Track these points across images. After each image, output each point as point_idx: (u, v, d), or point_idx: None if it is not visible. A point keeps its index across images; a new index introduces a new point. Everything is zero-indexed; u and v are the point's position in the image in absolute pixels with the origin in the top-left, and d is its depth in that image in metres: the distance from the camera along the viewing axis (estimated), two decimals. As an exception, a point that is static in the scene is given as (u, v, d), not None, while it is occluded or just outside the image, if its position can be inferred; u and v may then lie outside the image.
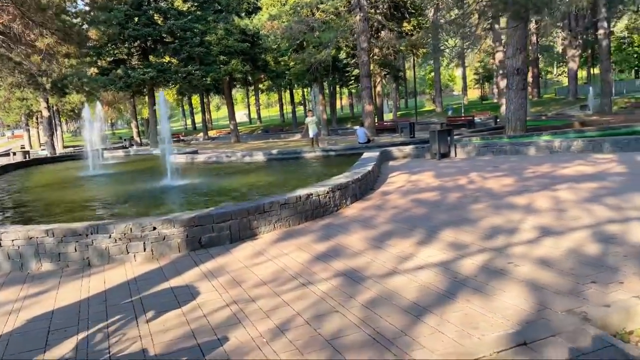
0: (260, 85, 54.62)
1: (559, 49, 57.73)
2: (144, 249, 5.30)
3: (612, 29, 42.69)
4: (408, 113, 54.36)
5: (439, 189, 8.34)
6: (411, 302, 3.63)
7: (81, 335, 3.47)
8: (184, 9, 33.65)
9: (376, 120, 32.47)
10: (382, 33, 30.67)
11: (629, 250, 4.37)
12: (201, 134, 51.00)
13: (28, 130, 55.36)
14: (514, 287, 3.74)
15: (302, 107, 70.77)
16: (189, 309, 3.82)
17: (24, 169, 19.26)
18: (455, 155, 13.46)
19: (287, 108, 64.74)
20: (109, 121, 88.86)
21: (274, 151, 17.63)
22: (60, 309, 4.00)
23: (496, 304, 3.46)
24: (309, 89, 53.67)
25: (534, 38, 41.81)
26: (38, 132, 57.17)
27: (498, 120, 29.73)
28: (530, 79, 43.36)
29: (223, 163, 16.54)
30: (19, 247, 5.12)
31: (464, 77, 67.02)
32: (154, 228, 5.33)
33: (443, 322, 3.24)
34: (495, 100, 50.44)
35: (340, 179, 7.84)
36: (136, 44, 32.23)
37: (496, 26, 30.67)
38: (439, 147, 13.09)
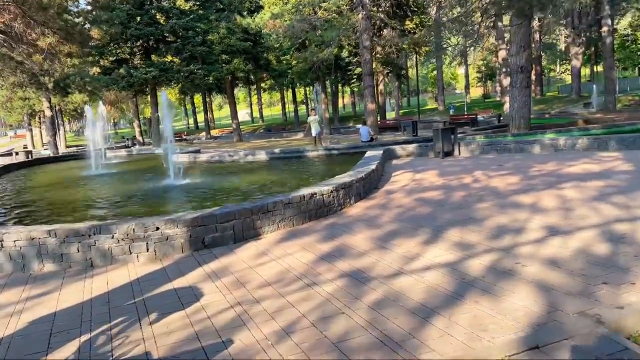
0: (263, 84, 54.61)
1: (562, 46, 57.54)
2: (147, 250, 5.25)
3: (615, 27, 42.48)
4: (410, 111, 54.31)
5: (444, 188, 8.28)
6: (418, 303, 3.57)
7: (84, 338, 3.42)
8: (186, 8, 33.65)
9: (379, 119, 32.38)
10: (385, 31, 30.56)
11: (639, 250, 4.30)
12: (203, 133, 51.02)
13: (31, 130, 55.44)
14: (523, 288, 3.68)
15: (304, 106, 70.73)
16: (192, 310, 3.77)
17: (27, 169, 19.24)
18: (459, 154, 13.38)
19: (289, 107, 64.80)
20: (112, 121, 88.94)
21: (277, 150, 17.58)
22: (63, 311, 3.96)
23: (505, 306, 3.40)
24: (311, 87, 53.60)
25: (536, 36, 41.64)
26: (41, 132, 57.25)
27: (501, 118, 29.60)
28: (533, 77, 43.20)
29: (226, 162, 16.49)
30: (20, 247, 5.08)
31: (467, 75, 66.90)
32: (157, 228, 5.28)
33: (452, 324, 3.17)
34: (498, 98, 50.27)
35: (344, 177, 7.78)
36: (138, 43, 32.24)
37: (499, 24, 30.52)
38: (442, 145, 13.01)
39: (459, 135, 14.64)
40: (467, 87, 66.13)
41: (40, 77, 24.41)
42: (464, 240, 5.08)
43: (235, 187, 10.49)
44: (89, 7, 24.86)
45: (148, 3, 31.38)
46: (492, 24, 31.39)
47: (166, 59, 33.04)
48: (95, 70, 31.71)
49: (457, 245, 4.91)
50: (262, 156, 16.54)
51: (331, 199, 6.97)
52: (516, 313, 3.26)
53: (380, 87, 40.57)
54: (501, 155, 12.48)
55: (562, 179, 8.18)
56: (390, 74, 41.15)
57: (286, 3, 29.35)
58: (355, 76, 38.83)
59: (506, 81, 29.39)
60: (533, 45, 38.32)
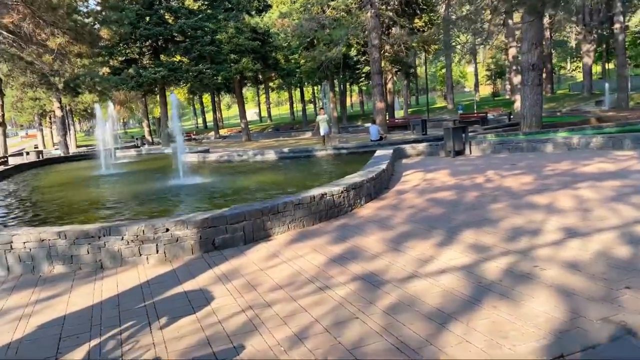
0: (271, 84, 54.64)
1: (573, 43, 56.93)
2: (157, 251, 5.20)
3: (627, 24, 41.95)
4: (419, 110, 54.04)
5: (456, 188, 8.15)
6: (434, 308, 3.47)
7: (93, 342, 3.37)
8: (195, 7, 33.70)
9: (387, 118, 32.20)
10: (394, 29, 30.38)
11: (661, 253, 4.16)
12: (212, 133, 51.17)
13: (41, 130, 55.88)
14: (542, 293, 3.56)
15: (312, 105, 70.67)
16: (203, 314, 3.70)
17: (38, 169, 19.35)
18: (470, 153, 13.23)
19: (298, 106, 64.75)
20: (121, 120, 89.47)
21: (286, 150, 17.51)
22: (73, 314, 3.90)
23: (525, 311, 3.29)
24: (319, 86, 53.51)
25: (547, 33, 41.20)
26: (51, 132, 57.71)
27: (512, 116, 29.33)
28: (543, 75, 42.77)
29: (235, 162, 16.46)
30: (30, 249, 5.04)
31: (476, 74, 66.42)
32: (167, 230, 5.22)
33: (470, 331, 3.07)
34: (508, 97, 49.87)
35: (355, 177, 7.68)
36: (147, 43, 32.35)
37: (510, 21, 30.23)
38: (453, 144, 12.86)
39: (469, 134, 14.48)
40: (476, 85, 65.65)
41: (51, 78, 24.54)
42: (479, 242, 4.97)
43: (245, 187, 10.43)
44: (99, 8, 24.98)
45: (157, 3, 31.47)
46: (502, 21, 31.11)
47: (175, 59, 33.15)
48: (105, 70, 31.86)
49: (472, 248, 4.80)
50: (271, 156, 16.48)
51: (341, 200, 6.88)
52: (537, 319, 3.15)
53: (389, 85, 40.36)
54: (513, 154, 12.31)
55: (578, 178, 8.02)
56: (399, 73, 40.95)
57: (294, 2, 29.25)
58: (363, 75, 38.65)
59: (516, 79, 29.14)
60: (544, 43, 37.94)
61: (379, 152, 12.01)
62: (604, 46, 50.34)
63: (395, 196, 7.96)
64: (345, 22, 26.53)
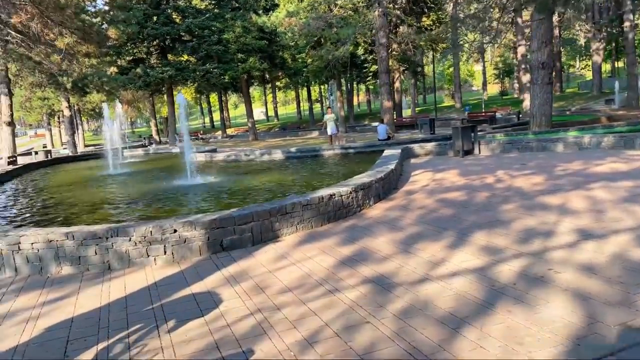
0: (278, 83, 54.57)
1: (582, 42, 56.42)
2: (165, 252, 5.16)
3: (637, 22, 41.48)
4: (426, 109, 53.80)
5: (466, 188, 8.06)
6: (447, 312, 3.40)
7: (101, 346, 3.33)
8: (202, 7, 33.72)
9: (395, 117, 32.06)
10: (401, 28, 30.25)
11: (680, 256, 4.06)
12: (219, 132, 51.24)
13: (50, 130, 56.22)
14: (557, 297, 3.48)
15: (319, 104, 70.57)
16: (211, 317, 3.65)
17: (46, 168, 19.43)
18: (479, 152, 13.11)
19: (304, 105, 64.62)
20: (129, 120, 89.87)
21: (293, 149, 17.46)
22: (80, 316, 3.87)
23: (540, 316, 3.21)
24: (326, 85, 53.40)
25: (556, 31, 40.85)
26: (60, 131, 58.03)
27: (521, 115, 29.08)
28: (553, 73, 42.43)
29: (242, 161, 16.43)
30: (38, 250, 5.03)
31: (484, 72, 66.02)
32: (175, 231, 5.18)
33: (484, 336, 3.00)
34: (516, 96, 49.51)
35: (363, 178, 7.61)
36: (155, 42, 32.40)
37: (519, 19, 29.98)
38: (462, 143, 12.75)
39: (478, 133, 14.35)
40: (484, 84, 65.24)
41: (59, 77, 24.61)
42: (491, 244, 4.89)
43: (252, 187, 10.39)
44: (106, 7, 25.06)
45: (164, 2, 31.52)
46: (510, 19, 30.88)
47: (182, 58, 33.18)
48: (113, 70, 31.94)
49: (484, 250, 4.72)
50: (278, 155, 16.43)
51: (350, 200, 6.82)
52: (553, 324, 3.07)
53: (397, 84, 40.18)
54: (523, 154, 12.18)
55: (590, 178, 7.90)
56: (406, 71, 40.75)
57: (302, 1, 29.20)
58: (371, 74, 38.48)
59: (525, 78, 28.87)
60: (553, 41, 37.64)
61: (387, 152, 11.93)
62: (614, 44, 49.79)
63: (404, 197, 7.88)
64: (352, 20, 26.45)
